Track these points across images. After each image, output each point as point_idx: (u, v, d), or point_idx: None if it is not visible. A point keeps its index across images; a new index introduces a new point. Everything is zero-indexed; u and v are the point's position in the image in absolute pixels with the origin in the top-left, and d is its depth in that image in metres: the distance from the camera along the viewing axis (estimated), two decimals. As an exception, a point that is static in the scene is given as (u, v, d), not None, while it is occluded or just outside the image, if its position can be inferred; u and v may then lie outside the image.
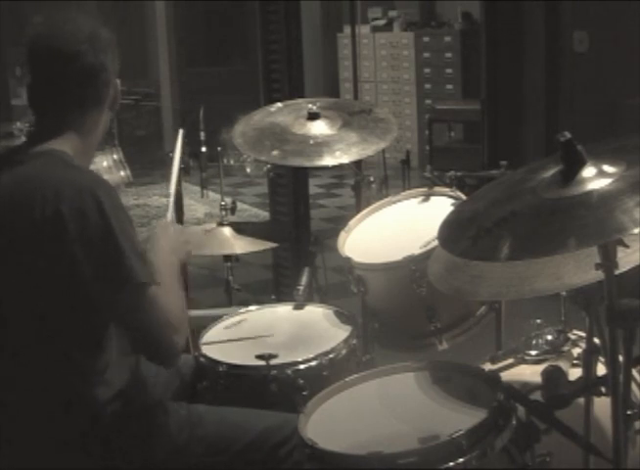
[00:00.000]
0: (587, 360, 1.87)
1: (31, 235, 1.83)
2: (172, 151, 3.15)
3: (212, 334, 2.48)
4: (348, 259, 2.45)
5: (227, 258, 3.00)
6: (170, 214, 2.24)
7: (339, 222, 3.16)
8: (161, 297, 1.85)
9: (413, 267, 2.32)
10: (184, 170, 3.15)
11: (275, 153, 2.77)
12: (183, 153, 2.71)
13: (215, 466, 2.00)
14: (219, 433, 2.02)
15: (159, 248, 2.00)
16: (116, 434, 1.92)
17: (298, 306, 2.64)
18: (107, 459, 1.90)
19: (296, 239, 4.12)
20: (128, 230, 1.84)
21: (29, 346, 1.88)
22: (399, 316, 2.50)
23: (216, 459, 2.00)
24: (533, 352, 2.24)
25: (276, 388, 2.20)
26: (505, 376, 2.08)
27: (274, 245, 2.98)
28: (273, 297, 4.14)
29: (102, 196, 1.83)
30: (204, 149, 3.10)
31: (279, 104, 3.07)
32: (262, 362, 2.22)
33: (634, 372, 1.91)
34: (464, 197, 2.51)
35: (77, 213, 1.80)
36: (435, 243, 2.02)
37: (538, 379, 1.86)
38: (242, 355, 2.31)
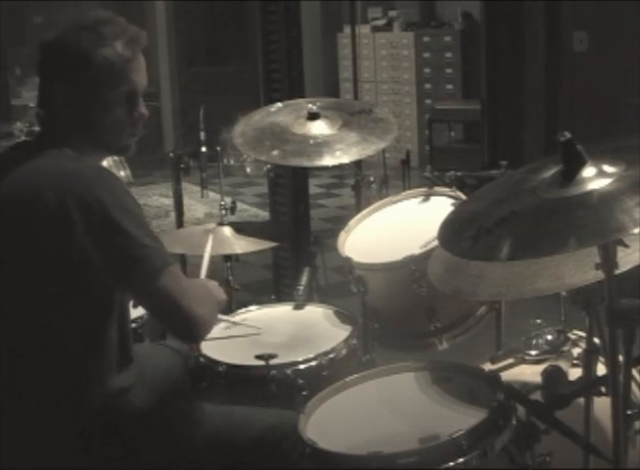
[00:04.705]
0: (587, 360, 1.87)
1: (37, 228, 1.84)
2: (173, 151, 3.15)
3: (212, 334, 2.48)
4: (348, 259, 2.45)
5: (227, 258, 2.99)
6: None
7: (339, 222, 3.16)
8: (180, 276, 1.88)
9: (413, 267, 2.32)
10: (184, 170, 3.15)
11: (275, 153, 2.77)
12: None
13: (219, 464, 2.00)
14: (222, 430, 2.02)
15: None
16: (118, 432, 1.92)
17: (298, 306, 2.64)
18: (108, 458, 1.91)
19: (296, 239, 4.11)
20: (138, 217, 1.86)
21: (30, 344, 1.89)
22: (399, 316, 2.50)
23: (219, 457, 2.00)
24: (533, 352, 2.24)
25: (276, 388, 2.20)
26: (505, 376, 2.08)
27: (274, 245, 2.98)
28: (273, 297, 4.14)
29: (106, 186, 1.84)
30: (204, 149, 3.10)
31: (279, 104, 3.07)
32: (262, 362, 2.22)
33: (634, 372, 1.91)
34: (464, 197, 2.51)
35: (82, 204, 1.81)
36: (435, 243, 2.02)
37: (538, 379, 1.86)
38: (242, 355, 2.31)
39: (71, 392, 1.90)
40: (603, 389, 1.78)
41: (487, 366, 2.21)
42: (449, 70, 8.13)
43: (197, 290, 1.94)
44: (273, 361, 2.22)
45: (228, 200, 3.00)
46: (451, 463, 1.67)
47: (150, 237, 1.86)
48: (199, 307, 1.87)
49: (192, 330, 1.90)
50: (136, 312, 2.69)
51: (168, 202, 6.61)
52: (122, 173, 3.51)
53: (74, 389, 1.90)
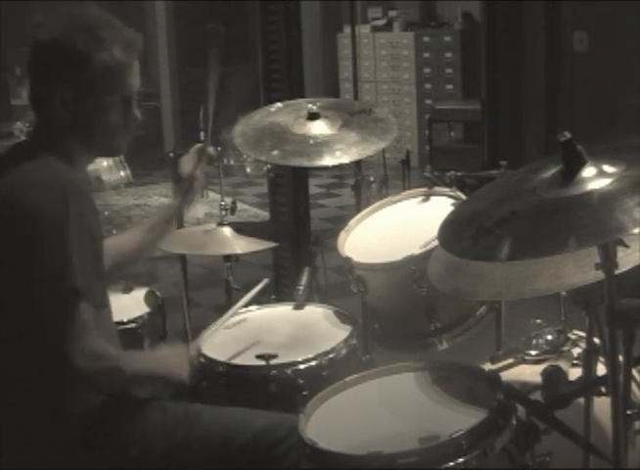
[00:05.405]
0: (587, 360, 1.87)
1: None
2: (173, 151, 3.15)
3: (212, 334, 2.48)
4: (348, 259, 2.45)
5: (227, 258, 2.99)
6: None
7: (339, 222, 3.16)
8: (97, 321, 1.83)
9: (413, 267, 2.32)
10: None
11: (275, 153, 2.77)
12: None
13: (212, 465, 2.00)
14: (216, 431, 2.02)
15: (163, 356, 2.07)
16: (113, 432, 1.92)
17: (298, 306, 2.64)
18: (103, 458, 1.90)
19: (296, 239, 4.11)
20: (84, 239, 1.81)
21: (23, 344, 1.87)
22: (399, 316, 2.50)
23: (213, 458, 2.00)
24: (533, 352, 2.24)
25: (276, 388, 2.20)
26: (505, 376, 2.08)
27: (274, 245, 2.98)
28: (273, 297, 4.14)
29: (65, 200, 1.80)
30: (204, 149, 3.09)
31: (279, 104, 3.06)
32: (262, 362, 2.22)
33: (634, 372, 1.91)
34: (464, 197, 2.51)
35: (34, 214, 1.79)
36: (435, 243, 2.02)
37: (538, 379, 1.86)
38: (242, 356, 2.31)
39: (65, 394, 1.89)
40: (603, 389, 1.78)
41: (487, 366, 2.21)
42: (449, 70, 8.13)
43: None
44: (273, 361, 2.22)
45: (228, 200, 3.00)
46: (451, 463, 1.67)
47: (86, 265, 1.81)
48: (92, 361, 1.79)
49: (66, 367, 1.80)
50: (136, 312, 2.69)
51: (168, 202, 6.61)
52: (122, 173, 3.52)
53: (70, 391, 1.89)
